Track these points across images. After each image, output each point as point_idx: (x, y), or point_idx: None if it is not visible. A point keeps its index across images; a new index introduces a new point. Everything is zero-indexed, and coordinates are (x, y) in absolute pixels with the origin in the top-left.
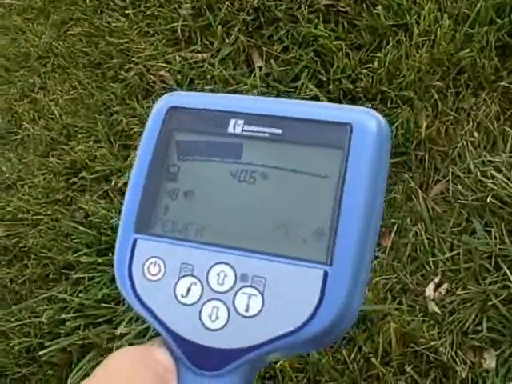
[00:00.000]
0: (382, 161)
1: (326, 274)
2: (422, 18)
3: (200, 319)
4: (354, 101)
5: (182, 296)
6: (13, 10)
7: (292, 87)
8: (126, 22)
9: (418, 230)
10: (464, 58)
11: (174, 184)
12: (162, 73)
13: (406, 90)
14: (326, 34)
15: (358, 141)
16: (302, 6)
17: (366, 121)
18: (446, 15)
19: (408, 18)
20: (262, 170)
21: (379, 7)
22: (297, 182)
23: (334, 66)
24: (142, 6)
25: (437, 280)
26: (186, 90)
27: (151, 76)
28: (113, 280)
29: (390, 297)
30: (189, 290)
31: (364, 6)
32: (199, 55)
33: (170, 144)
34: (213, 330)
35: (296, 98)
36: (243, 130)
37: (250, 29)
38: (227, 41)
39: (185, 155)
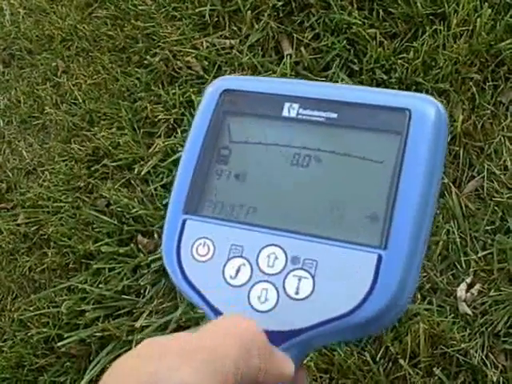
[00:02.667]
0: (439, 148)
1: (379, 259)
2: (461, 6)
3: (249, 301)
4: None
5: (231, 277)
6: None
7: (323, 76)
8: (152, 5)
9: (450, 228)
10: (504, 49)
11: (226, 166)
12: (188, 59)
13: (441, 82)
14: (359, 22)
15: (417, 127)
16: None
17: (425, 107)
18: (486, 4)
19: (446, 6)
20: (316, 154)
21: None
22: (351, 167)
23: (368, 56)
24: None
25: (469, 280)
26: (213, 78)
27: (177, 62)
28: (134, 271)
29: (419, 296)
30: (238, 271)
31: None
32: (227, 41)
33: (223, 126)
34: (262, 312)
35: None
36: (298, 114)
37: (280, 14)
38: (256, 27)
39: (237, 138)
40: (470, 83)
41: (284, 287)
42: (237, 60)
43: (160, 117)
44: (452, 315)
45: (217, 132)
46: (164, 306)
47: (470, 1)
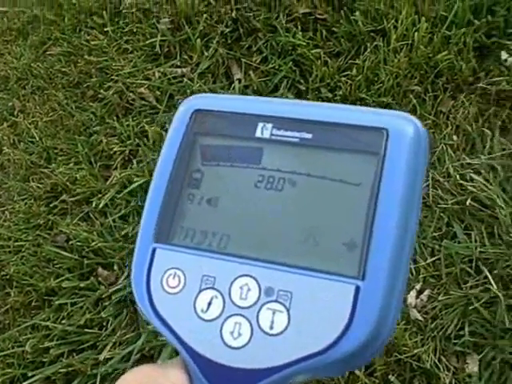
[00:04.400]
0: (419, 168)
1: (357, 290)
2: (400, 22)
3: (221, 336)
4: None
5: (203, 311)
6: None
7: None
8: (104, 39)
9: None
10: (442, 60)
11: (197, 191)
12: (141, 90)
13: (384, 96)
14: (304, 43)
15: (395, 147)
16: (281, 15)
17: (403, 126)
18: (423, 18)
19: (386, 22)
20: (291, 177)
21: (357, 13)
22: (327, 190)
23: (313, 75)
24: (120, 23)
25: (418, 287)
26: (165, 107)
27: (130, 93)
28: (95, 304)
29: None
30: (210, 304)
31: (342, 12)
32: (178, 70)
33: (194, 149)
34: (234, 348)
35: None
36: (271, 135)
37: (228, 41)
38: (206, 54)
39: (209, 160)
40: (411, 95)
41: (258, 321)
42: (188, 88)
43: (115, 149)
44: (404, 322)
45: (188, 154)
46: (127, 336)
47: (408, 16)
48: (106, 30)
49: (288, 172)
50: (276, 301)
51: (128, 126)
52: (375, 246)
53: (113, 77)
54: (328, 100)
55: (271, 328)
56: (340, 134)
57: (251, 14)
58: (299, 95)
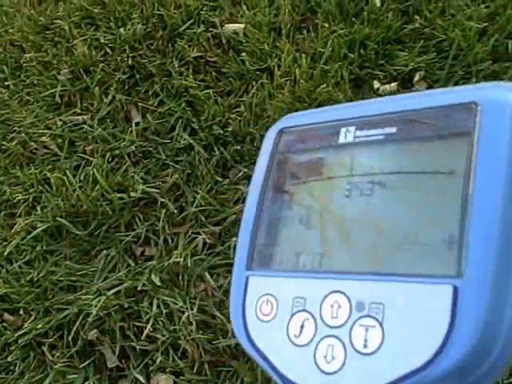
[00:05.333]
0: None
1: (456, 290)
2: (283, 60)
3: (315, 362)
4: (224, 145)
5: (295, 336)
6: None
7: (168, 138)
8: (6, 92)
9: None
10: (321, 93)
11: (287, 212)
12: (43, 139)
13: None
14: (195, 85)
15: (489, 122)
16: (174, 59)
17: (497, 96)
18: (303, 55)
19: (270, 61)
20: (380, 178)
21: (244, 54)
22: (419, 185)
23: (205, 114)
24: (21, 76)
25: None
26: (66, 154)
27: (33, 143)
28: (2, 349)
29: None
30: (302, 327)
31: (231, 54)
32: (79, 117)
33: (281, 169)
34: (329, 374)
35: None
36: (355, 137)
37: (126, 86)
38: (105, 100)
39: (297, 178)
40: None
41: (351, 341)
42: (89, 134)
43: (19, 197)
44: None
45: (275, 176)
46: (35, 378)
47: (289, 54)
48: (6, 83)
49: (376, 174)
50: (368, 315)
51: (31, 174)
52: (474, 240)
53: (15, 128)
54: (220, 137)
55: (365, 346)
56: (424, 120)
57: (146, 60)
58: (193, 134)
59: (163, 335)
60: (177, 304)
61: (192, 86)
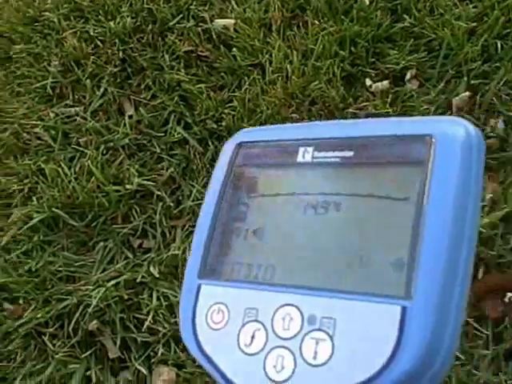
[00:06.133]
0: (472, 176)
1: (404, 311)
2: (274, 56)
3: (264, 370)
4: (219, 139)
5: (246, 345)
6: None
7: (162, 132)
8: None
9: None
10: (314, 89)
11: (242, 224)
12: (36, 130)
13: (265, 125)
14: (187, 79)
15: (442, 154)
16: (165, 53)
17: (451, 130)
18: (295, 52)
19: (261, 57)
20: (335, 199)
21: (235, 49)
22: (372, 208)
23: (198, 108)
24: (12, 67)
25: None
26: (60, 145)
27: (26, 134)
28: (3, 338)
29: None
30: (253, 337)
31: (222, 49)
32: (72, 109)
33: (238, 182)
34: (279, 382)
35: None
36: (313, 157)
37: (118, 79)
38: (97, 93)
39: (253, 192)
40: (289, 122)
41: (301, 352)
42: (83, 126)
43: (14, 188)
44: None
45: (232, 188)
46: (37, 367)
47: (280, 50)
48: None
49: (332, 194)
50: (319, 329)
51: (25, 165)
52: (423, 263)
53: (8, 118)
54: (214, 132)
55: (315, 358)
56: (381, 147)
57: (137, 54)
58: (187, 128)
59: (164, 327)
60: (176, 297)
61: (184, 80)
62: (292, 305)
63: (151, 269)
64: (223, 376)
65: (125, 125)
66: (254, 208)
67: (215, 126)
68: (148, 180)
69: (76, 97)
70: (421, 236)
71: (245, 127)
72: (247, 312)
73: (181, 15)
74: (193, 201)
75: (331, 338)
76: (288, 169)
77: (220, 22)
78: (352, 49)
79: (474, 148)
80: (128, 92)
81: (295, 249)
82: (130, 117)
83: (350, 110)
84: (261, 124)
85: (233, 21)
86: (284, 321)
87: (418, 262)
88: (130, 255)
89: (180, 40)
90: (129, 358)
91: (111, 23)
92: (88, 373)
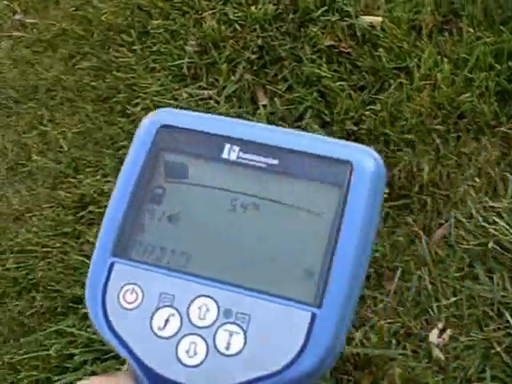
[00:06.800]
0: (377, 202)
1: (313, 317)
2: (423, 61)
3: (176, 354)
4: (357, 142)
5: (159, 328)
6: (22, 42)
7: (296, 126)
8: (133, 57)
9: (421, 274)
10: (464, 102)
11: (159, 207)
12: None
13: (408, 133)
14: (329, 75)
15: (358, 181)
16: (306, 45)
17: (366, 160)
18: (445, 59)
19: (409, 61)
20: (255, 201)
21: (380, 49)
22: (289, 217)
23: (338, 107)
24: (148, 42)
25: (440, 325)
26: None
27: None
28: None
29: (394, 341)
30: (167, 321)
31: (366, 47)
32: (205, 92)
33: (158, 164)
34: (189, 367)
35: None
36: (238, 157)
37: (254, 67)
38: (232, 78)
39: (173, 177)
40: (434, 134)
41: (214, 341)
42: (215, 110)
43: None
44: (426, 360)
45: (152, 169)
46: None
47: (430, 56)
48: (134, 48)
49: (252, 196)
50: (234, 323)
51: None
52: (334, 276)
53: (140, 94)
54: (353, 133)
55: (227, 348)
56: (306, 162)
57: (276, 43)
58: (324, 126)
59: None
60: None
61: (325, 75)
62: (209, 297)
63: None
64: (133, 355)
65: (260, 114)
66: (172, 193)
67: (354, 127)
68: None
69: (210, 80)
70: (334, 250)
71: (386, 133)
72: (163, 297)
73: (325, 7)
74: None
75: (245, 332)
76: (211, 162)
77: (366, 18)
78: (509, 63)
79: (381, 178)
80: (263, 81)
81: (211, 241)
82: (264, 107)
83: (502, 129)
84: (403, 132)
85: (380, 19)
86: (200, 310)
87: (329, 274)
88: None
89: (322, 33)
90: None
91: (252, 8)
92: None
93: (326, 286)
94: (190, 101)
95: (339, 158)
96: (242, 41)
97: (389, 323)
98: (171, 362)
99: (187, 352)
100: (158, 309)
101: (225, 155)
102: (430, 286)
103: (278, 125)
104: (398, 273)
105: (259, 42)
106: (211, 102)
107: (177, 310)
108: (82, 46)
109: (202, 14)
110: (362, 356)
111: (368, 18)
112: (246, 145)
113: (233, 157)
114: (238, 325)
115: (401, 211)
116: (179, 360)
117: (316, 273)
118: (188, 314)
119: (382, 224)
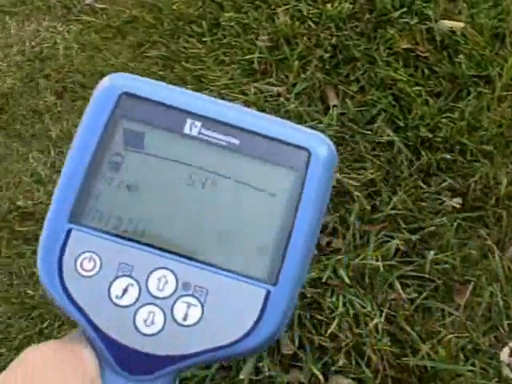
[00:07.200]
0: (329, 187)
1: (268, 294)
2: (505, 70)
3: (134, 323)
4: (432, 150)
5: (117, 297)
6: (91, 27)
7: (368, 129)
8: (202, 48)
9: (493, 290)
10: None
11: (117, 174)
12: (236, 103)
13: (486, 144)
14: (405, 79)
15: (315, 166)
16: (381, 47)
17: (322, 147)
18: None
19: (490, 69)
20: (213, 177)
21: (461, 56)
22: (247, 196)
23: (413, 113)
24: (219, 34)
25: (511, 344)
26: None
27: None
28: None
29: (462, 356)
30: (125, 291)
31: (444, 53)
32: (274, 88)
33: (118, 131)
34: (146, 335)
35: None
36: (200, 133)
37: (326, 66)
38: (303, 76)
39: (132, 146)
40: None
41: (172, 312)
42: (283, 107)
43: None
44: (496, 379)
45: (110, 135)
46: None
47: None
48: (204, 39)
49: (211, 172)
50: (192, 295)
51: None
52: (289, 255)
53: (208, 86)
54: (428, 140)
55: (184, 319)
56: (266, 145)
57: (351, 43)
58: (396, 130)
59: (347, 337)
60: (364, 308)
61: (401, 79)
62: (169, 269)
63: (341, 272)
64: (90, 322)
65: (330, 114)
66: (130, 162)
67: (429, 134)
68: (347, 178)
69: (280, 76)
70: (289, 230)
71: (463, 142)
72: (121, 266)
73: (403, 9)
74: (392, 209)
75: (202, 304)
76: (172, 135)
77: (446, 23)
78: None
79: (334, 163)
80: (335, 81)
81: (169, 214)
82: (334, 107)
83: None
84: (481, 143)
85: (461, 24)
86: (159, 282)
87: (285, 253)
88: (315, 250)
89: (400, 35)
90: (300, 359)
91: (328, 6)
92: (260, 364)
93: (282, 264)
94: (259, 97)
95: (298, 144)
96: (315, 38)
97: (457, 337)
98: (128, 330)
99: (145, 321)
100: (116, 278)
101: (186, 130)
102: (501, 303)
103: (348, 126)
104: (470, 287)
105: (333, 40)
106: (281, 98)
107: (135, 280)
108: (151, 35)
109: (275, 9)
110: (428, 369)
111: (448, 23)
112: (208, 122)
113: (194, 132)
114: (196, 297)
115: (474, 223)
116: (136, 328)
117: (269, 250)
118: (147, 285)
119: (453, 234)
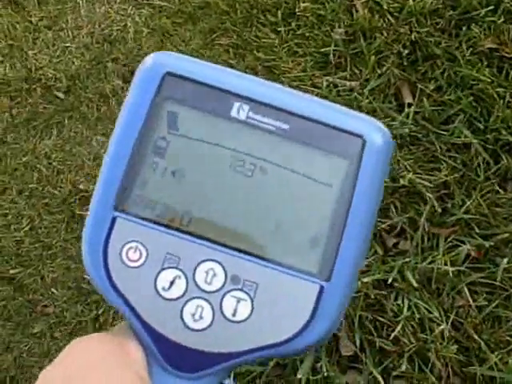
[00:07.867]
0: (385, 176)
1: (321, 289)
2: None
3: (181, 317)
4: (511, 154)
5: (164, 289)
6: (162, 11)
7: (443, 130)
8: (276, 38)
9: None
10: None
11: (162, 160)
12: None
13: None
14: (488, 79)
15: (370, 155)
16: (463, 45)
17: (377, 135)
18: None
19: None
20: (262, 164)
21: None
22: (297, 185)
23: (494, 115)
24: (293, 25)
25: None
26: None
27: None
28: None
29: None
30: (172, 283)
31: None
32: (347, 83)
33: (162, 113)
34: (194, 330)
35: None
36: (248, 117)
37: (404, 62)
38: (378, 71)
39: (177, 130)
40: None
41: (221, 307)
42: (356, 102)
43: None
44: None
45: (154, 119)
46: None
47: None
48: (278, 29)
49: (260, 158)
50: (241, 289)
51: None
52: (343, 250)
53: (280, 77)
54: (508, 144)
55: (234, 315)
56: (318, 131)
57: (431, 39)
58: (474, 132)
59: (410, 341)
60: (431, 313)
61: (483, 80)
62: (217, 261)
63: (408, 274)
64: (137, 315)
65: (405, 112)
66: (175, 147)
67: (511, 138)
68: (420, 178)
69: (354, 70)
70: (344, 223)
71: None
72: (168, 257)
73: (490, 7)
74: (465, 213)
75: (252, 299)
76: (219, 119)
77: None
78: None
79: (390, 153)
80: (412, 78)
81: (217, 202)
82: (409, 105)
83: None
84: None
85: None
86: (207, 275)
87: (340, 248)
88: (380, 251)
89: (484, 34)
90: (360, 361)
91: (410, 0)
92: (318, 364)
93: (336, 260)
94: (332, 90)
95: (352, 131)
96: (394, 34)
97: None
98: (175, 324)
99: (193, 315)
100: (162, 269)
101: (234, 113)
102: None
103: (422, 125)
104: None
105: (412, 36)
106: (354, 93)
107: (183, 272)
108: (223, 22)
109: (353, 1)
110: (496, 380)
111: None
112: (256, 105)
113: (242, 116)
114: (246, 292)
115: None
116: (184, 323)
117: (322, 244)
118: (194, 278)
119: None
